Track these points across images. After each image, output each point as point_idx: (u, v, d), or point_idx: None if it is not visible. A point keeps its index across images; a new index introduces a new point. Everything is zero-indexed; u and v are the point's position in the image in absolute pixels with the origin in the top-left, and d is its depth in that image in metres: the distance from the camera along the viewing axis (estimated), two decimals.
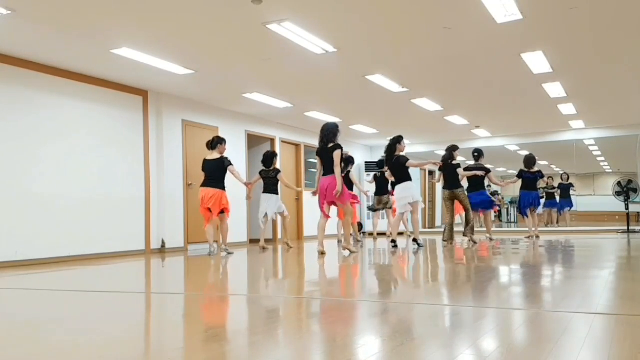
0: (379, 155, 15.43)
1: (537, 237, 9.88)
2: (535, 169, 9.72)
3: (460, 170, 8.65)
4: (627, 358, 1.91)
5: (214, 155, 7.63)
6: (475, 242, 8.47)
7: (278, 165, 11.58)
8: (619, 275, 4.26)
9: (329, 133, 6.89)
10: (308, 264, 6.39)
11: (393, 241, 7.93)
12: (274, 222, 11.64)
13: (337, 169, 6.72)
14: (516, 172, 10.05)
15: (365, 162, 14.64)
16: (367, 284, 4.43)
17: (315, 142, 12.88)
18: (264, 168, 8.83)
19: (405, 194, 7.73)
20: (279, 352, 2.14)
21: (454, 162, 8.58)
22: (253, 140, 11.27)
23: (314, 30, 6.15)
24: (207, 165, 7.63)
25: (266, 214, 8.72)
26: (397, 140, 7.88)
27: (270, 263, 6.55)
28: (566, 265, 5.27)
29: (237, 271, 5.90)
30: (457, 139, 14.22)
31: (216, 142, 7.67)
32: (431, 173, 17.23)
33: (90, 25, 5.85)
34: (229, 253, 7.61)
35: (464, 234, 8.67)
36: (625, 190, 11.90)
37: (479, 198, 9.13)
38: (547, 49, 7.08)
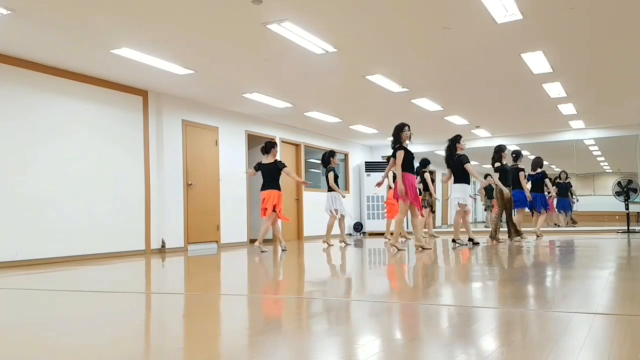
0: (379, 155, 15.48)
1: (539, 236, 10.00)
2: (539, 170, 9.95)
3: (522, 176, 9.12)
4: (627, 358, 1.91)
5: (269, 159, 8.07)
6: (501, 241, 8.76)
7: None
8: (619, 275, 4.25)
9: (394, 133, 7.28)
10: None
11: (454, 240, 8.11)
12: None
13: (398, 169, 7.14)
14: None
15: (366, 162, 14.64)
16: (368, 284, 4.43)
17: (315, 142, 12.97)
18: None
19: (459, 194, 7.98)
20: (279, 352, 2.14)
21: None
22: (253, 140, 11.26)
23: (314, 30, 6.16)
24: (263, 168, 8.08)
25: (337, 210, 9.04)
26: (456, 140, 8.16)
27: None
28: (566, 265, 5.26)
29: (238, 271, 5.89)
30: None
31: (269, 147, 8.13)
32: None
33: (90, 25, 5.85)
34: (283, 250, 8.09)
35: (510, 238, 8.93)
36: (625, 190, 11.90)
37: (518, 196, 9.44)
38: (547, 49, 7.08)
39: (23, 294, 4.33)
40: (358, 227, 14.61)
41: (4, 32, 5.99)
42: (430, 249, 7.55)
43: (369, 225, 14.42)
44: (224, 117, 10.19)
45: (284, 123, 11.78)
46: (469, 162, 8.00)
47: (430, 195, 10.70)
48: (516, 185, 9.38)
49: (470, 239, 8.12)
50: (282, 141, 11.91)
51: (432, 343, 2.20)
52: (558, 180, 13.96)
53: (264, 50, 6.78)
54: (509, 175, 8.94)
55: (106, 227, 7.86)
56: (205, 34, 6.22)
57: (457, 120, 11.80)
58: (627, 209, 11.81)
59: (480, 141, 14.13)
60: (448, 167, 8.23)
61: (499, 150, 8.96)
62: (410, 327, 2.57)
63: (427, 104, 10.14)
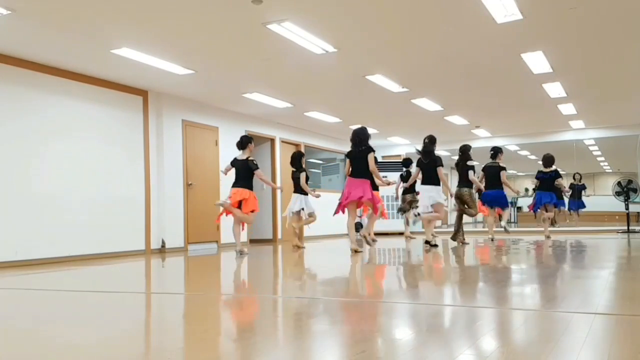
0: (379, 155, 15.44)
1: (548, 237, 9.83)
2: (552, 168, 9.79)
3: (470, 173, 8.58)
4: (627, 358, 1.91)
5: (244, 155, 7.52)
6: (463, 243, 8.51)
7: (278, 165, 11.64)
8: (619, 275, 4.26)
9: (363, 137, 7.27)
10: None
11: (427, 242, 7.87)
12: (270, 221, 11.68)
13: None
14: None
15: None
16: (369, 284, 4.43)
17: (315, 142, 12.97)
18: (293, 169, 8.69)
19: (430, 194, 7.77)
20: (279, 352, 2.14)
21: (467, 163, 8.57)
22: (253, 140, 11.26)
23: (314, 30, 6.16)
24: (236, 164, 7.51)
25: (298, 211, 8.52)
26: (434, 141, 7.87)
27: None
28: (566, 265, 5.27)
29: (233, 271, 5.90)
30: (457, 139, 14.24)
31: (245, 142, 7.59)
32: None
33: (90, 25, 5.85)
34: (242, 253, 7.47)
35: (452, 238, 8.61)
36: (625, 190, 11.90)
37: (494, 195, 9.07)
38: (547, 49, 7.08)
39: (23, 294, 4.33)
40: (358, 227, 14.58)
41: (4, 32, 5.99)
42: (361, 251, 7.31)
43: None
44: (224, 117, 10.19)
45: (284, 123, 11.78)
46: (442, 165, 7.78)
47: (413, 196, 10.64)
48: (495, 184, 9.04)
49: (426, 241, 7.89)
50: (282, 141, 11.91)
51: (432, 343, 2.20)
52: (572, 181, 13.95)
53: (264, 50, 6.78)
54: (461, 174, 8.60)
55: (106, 227, 7.86)
56: (205, 34, 6.22)
57: (457, 120, 11.80)
58: (627, 209, 11.81)
59: (480, 141, 14.12)
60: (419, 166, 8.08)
61: (467, 150, 8.62)
62: (410, 327, 2.57)
63: (427, 104, 10.14)
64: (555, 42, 6.86)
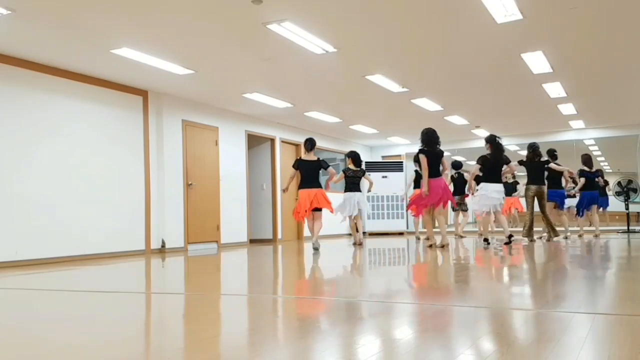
0: (378, 155, 15.47)
1: (597, 236, 10.05)
2: (594, 168, 9.94)
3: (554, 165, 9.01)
4: (627, 358, 1.91)
5: (311, 156, 7.79)
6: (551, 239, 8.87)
7: (278, 165, 11.64)
8: (619, 275, 4.26)
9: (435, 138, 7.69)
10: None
11: (486, 240, 7.98)
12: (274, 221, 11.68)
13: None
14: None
15: (366, 162, 14.61)
16: (370, 284, 4.43)
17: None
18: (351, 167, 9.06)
19: (495, 195, 7.93)
20: (279, 352, 2.14)
21: (542, 159, 8.92)
22: (253, 140, 11.28)
23: (314, 30, 6.16)
24: (303, 165, 7.77)
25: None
26: (489, 140, 8.24)
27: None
28: (566, 265, 5.26)
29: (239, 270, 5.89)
30: (457, 139, 14.27)
31: (315, 143, 7.90)
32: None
33: (90, 25, 5.86)
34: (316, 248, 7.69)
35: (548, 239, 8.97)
36: (625, 190, 11.89)
37: (551, 194, 9.33)
38: (547, 49, 7.08)
39: (23, 294, 4.33)
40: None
41: (4, 32, 5.99)
42: (434, 244, 7.76)
43: (369, 225, 14.42)
44: (224, 117, 10.19)
45: (284, 123, 11.78)
46: (509, 162, 8.19)
47: (461, 196, 10.76)
48: (553, 183, 9.27)
49: (485, 239, 7.99)
50: (282, 141, 11.92)
51: (432, 343, 2.20)
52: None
53: (264, 50, 6.78)
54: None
55: (106, 227, 7.86)
56: (206, 34, 6.22)
57: (457, 120, 11.81)
58: (627, 209, 11.81)
59: (480, 141, 14.10)
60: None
61: (538, 148, 8.96)
62: (410, 327, 2.57)
63: (427, 104, 10.15)
64: (555, 42, 6.86)
